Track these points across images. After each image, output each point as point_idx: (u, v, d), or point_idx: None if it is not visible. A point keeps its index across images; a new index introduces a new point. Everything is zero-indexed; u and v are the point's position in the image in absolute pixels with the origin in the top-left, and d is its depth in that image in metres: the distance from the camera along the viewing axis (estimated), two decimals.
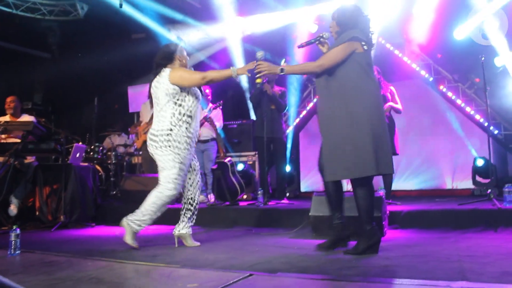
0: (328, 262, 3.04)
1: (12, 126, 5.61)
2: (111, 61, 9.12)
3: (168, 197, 3.74)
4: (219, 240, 4.07)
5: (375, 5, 7.39)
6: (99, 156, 7.69)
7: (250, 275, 2.55)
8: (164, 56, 3.93)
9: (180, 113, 3.78)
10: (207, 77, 3.77)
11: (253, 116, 8.18)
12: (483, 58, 5.54)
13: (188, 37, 8.61)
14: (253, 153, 7.24)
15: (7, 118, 6.03)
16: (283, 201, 6.03)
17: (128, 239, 3.78)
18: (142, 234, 4.94)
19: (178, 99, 3.80)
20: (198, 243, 3.96)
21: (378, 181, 6.32)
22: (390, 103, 5.65)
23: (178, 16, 8.60)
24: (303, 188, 8.72)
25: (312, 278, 2.58)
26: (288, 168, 7.35)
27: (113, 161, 7.88)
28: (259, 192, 5.71)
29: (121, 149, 8.36)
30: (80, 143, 6.68)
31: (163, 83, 3.80)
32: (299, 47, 3.79)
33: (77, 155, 6.21)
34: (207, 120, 6.30)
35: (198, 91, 3.99)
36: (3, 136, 5.75)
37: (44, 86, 10.66)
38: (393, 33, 8.03)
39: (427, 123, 8.04)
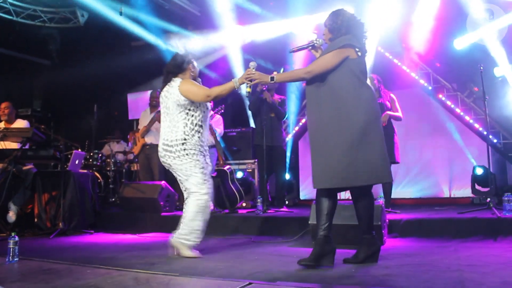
0: (327, 271, 3.03)
1: (12, 132, 5.60)
2: (111, 68, 9.13)
3: (206, 201, 3.77)
4: (218, 248, 4.06)
5: (374, 14, 7.44)
6: (98, 163, 7.68)
7: (250, 283, 2.54)
8: (177, 65, 3.96)
9: (192, 123, 3.81)
10: (211, 95, 3.77)
11: (252, 124, 8.20)
12: (482, 68, 5.56)
13: (187, 45, 8.63)
14: (252, 161, 7.24)
15: (1, 124, 6.03)
16: (282, 209, 6.02)
17: (188, 254, 3.74)
18: (141, 242, 4.95)
19: (189, 110, 3.83)
20: (197, 252, 3.93)
21: (377, 190, 6.32)
22: (389, 112, 5.66)
23: (177, 24, 8.64)
24: (302, 196, 8.71)
25: (312, 287, 2.57)
26: (287, 176, 7.35)
27: (112, 168, 7.88)
28: (258, 200, 5.70)
29: (120, 156, 8.36)
30: (80, 150, 6.68)
31: (173, 94, 3.83)
32: (290, 52, 3.67)
33: (76, 162, 6.20)
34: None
35: None
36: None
37: (43, 92, 10.70)
38: (392, 42, 8.07)
39: (426, 132, 8.05)
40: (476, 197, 6.77)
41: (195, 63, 4.08)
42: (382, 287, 2.54)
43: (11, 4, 8.05)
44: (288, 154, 7.17)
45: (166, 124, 3.89)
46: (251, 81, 3.52)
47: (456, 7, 7.19)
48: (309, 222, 4.27)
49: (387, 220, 4.43)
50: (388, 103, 5.76)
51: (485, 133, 6.95)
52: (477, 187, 6.82)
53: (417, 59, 8.16)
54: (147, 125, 7.00)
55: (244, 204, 6.55)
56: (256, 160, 7.03)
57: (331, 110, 3.21)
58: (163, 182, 6.25)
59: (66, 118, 9.86)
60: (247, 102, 8.52)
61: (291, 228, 5.02)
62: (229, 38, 8.28)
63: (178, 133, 3.78)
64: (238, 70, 8.14)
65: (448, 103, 7.92)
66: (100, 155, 7.78)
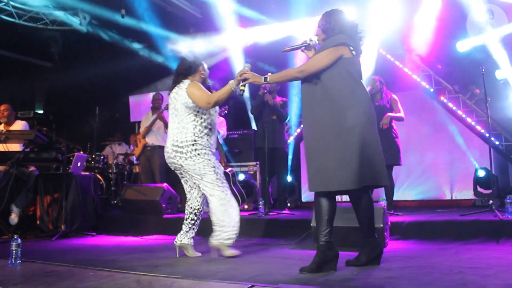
0: (329, 273, 3.03)
1: (14, 135, 5.61)
2: (113, 71, 9.16)
3: (228, 197, 3.81)
4: (220, 251, 4.05)
5: (376, 16, 7.45)
6: (100, 165, 7.70)
7: (252, 286, 2.55)
8: (187, 67, 4.00)
9: (201, 125, 3.85)
10: (211, 102, 3.78)
11: (254, 126, 8.21)
12: (483, 70, 5.55)
13: (189, 47, 8.65)
14: (254, 163, 7.24)
15: (1, 126, 6.05)
16: (284, 211, 6.02)
17: (227, 253, 3.80)
18: (143, 244, 4.96)
19: (198, 112, 3.86)
20: (199, 254, 3.95)
21: (379, 192, 6.32)
22: (390, 114, 5.65)
23: (179, 26, 8.66)
24: (304, 198, 8.70)
25: None
26: (289, 178, 7.35)
27: (114, 170, 7.89)
28: (260, 202, 5.70)
29: (121, 158, 8.38)
30: (81, 152, 6.69)
31: (182, 96, 3.86)
32: (283, 51, 3.59)
33: (78, 164, 6.21)
34: None
35: None
36: None
37: (45, 95, 10.72)
38: (394, 44, 8.07)
39: (427, 134, 8.04)
40: (478, 199, 6.76)
41: (205, 66, 4.12)
42: None
43: (14, 7, 8.08)
44: (290, 156, 7.17)
45: (175, 125, 3.92)
46: (245, 80, 3.52)
47: (458, 9, 7.19)
48: (311, 224, 4.26)
49: (389, 223, 4.43)
50: (387, 105, 5.76)
51: (487, 135, 6.93)
52: (479, 189, 6.81)
53: (418, 61, 8.16)
54: (148, 125, 7.03)
55: (246, 207, 6.56)
56: (258, 162, 7.03)
57: (326, 112, 3.14)
58: (165, 184, 6.26)
59: (68, 120, 9.87)
60: (249, 105, 8.55)
61: (293, 230, 5.02)
62: (230, 41, 8.29)
63: (188, 135, 3.81)
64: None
65: (450, 105, 7.91)
66: (102, 157, 7.79)
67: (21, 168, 5.79)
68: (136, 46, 9.41)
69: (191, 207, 3.98)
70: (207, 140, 3.87)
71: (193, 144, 3.79)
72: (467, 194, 7.42)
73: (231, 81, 3.74)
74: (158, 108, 7.10)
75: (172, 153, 3.85)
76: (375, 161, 3.11)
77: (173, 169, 3.99)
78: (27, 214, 6.05)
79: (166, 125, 7.03)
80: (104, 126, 9.19)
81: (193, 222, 3.95)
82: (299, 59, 7.42)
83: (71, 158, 6.23)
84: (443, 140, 7.88)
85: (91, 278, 2.98)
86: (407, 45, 8.06)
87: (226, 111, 6.38)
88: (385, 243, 4.03)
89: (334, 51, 3.17)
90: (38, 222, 5.94)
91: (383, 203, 4.49)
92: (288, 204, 6.82)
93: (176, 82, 3.99)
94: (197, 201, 3.98)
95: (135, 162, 8.23)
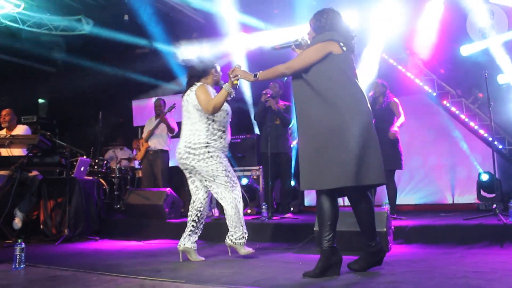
0: (332, 278, 3.02)
1: (18, 139, 5.63)
2: (116, 76, 9.20)
3: (239, 198, 3.92)
4: (224, 255, 4.06)
5: (378, 21, 7.46)
6: (103, 170, 7.71)
7: None
8: (199, 70, 4.06)
9: (214, 128, 3.90)
10: (209, 108, 3.80)
11: (257, 131, 8.21)
12: (486, 74, 5.55)
13: (192, 52, 8.67)
14: (257, 167, 7.24)
15: (3, 132, 6.08)
16: (287, 216, 6.01)
17: (243, 252, 3.91)
18: (146, 248, 4.96)
19: (210, 115, 3.88)
20: (203, 258, 3.95)
21: (381, 197, 6.31)
22: (394, 129, 5.64)
23: (182, 31, 8.68)
24: (306, 203, 8.69)
25: None
26: (291, 183, 7.35)
27: (117, 175, 7.90)
28: (263, 206, 5.70)
29: (124, 163, 8.40)
30: (85, 157, 6.71)
31: (192, 98, 3.92)
32: (273, 49, 3.57)
33: (82, 169, 6.23)
34: None
35: (228, 105, 4.05)
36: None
37: (49, 100, 10.75)
38: (397, 49, 8.08)
39: (430, 138, 8.04)
40: (481, 203, 6.75)
41: (218, 68, 4.16)
42: None
43: (18, 13, 8.12)
44: (293, 160, 7.17)
45: (188, 127, 3.96)
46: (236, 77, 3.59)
47: (460, 13, 7.20)
48: (314, 228, 4.26)
49: (393, 227, 4.42)
50: (388, 109, 5.78)
51: (490, 139, 6.93)
52: (482, 193, 6.81)
53: (421, 65, 8.17)
54: (151, 129, 7.06)
55: (249, 211, 6.56)
56: (261, 167, 7.04)
57: (318, 109, 3.07)
58: (168, 188, 6.27)
59: (72, 125, 9.91)
60: (251, 110, 8.56)
61: (296, 234, 5.02)
62: (234, 46, 8.30)
63: (201, 137, 3.86)
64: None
65: (453, 109, 7.91)
66: (105, 162, 7.81)
67: (24, 173, 5.81)
68: (139, 51, 9.45)
69: (195, 208, 3.99)
70: (220, 142, 3.93)
71: (206, 146, 3.84)
72: (470, 198, 7.42)
73: (225, 84, 3.78)
74: (161, 114, 7.13)
75: (184, 154, 3.89)
76: (371, 158, 2.99)
77: (183, 169, 4.03)
78: (31, 219, 6.06)
79: (169, 128, 7.05)
80: (107, 131, 9.21)
81: (195, 224, 3.95)
82: None
83: (75, 163, 6.23)
84: (446, 144, 7.88)
85: (94, 282, 2.99)
86: (410, 49, 8.07)
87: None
88: (388, 247, 4.02)
89: (322, 47, 3.11)
90: (41, 226, 5.95)
91: (387, 207, 4.48)
92: (291, 209, 6.82)
93: (189, 84, 4.05)
94: (200, 202, 3.99)
95: (137, 166, 8.24)
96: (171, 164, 7.31)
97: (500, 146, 7.57)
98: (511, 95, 7.01)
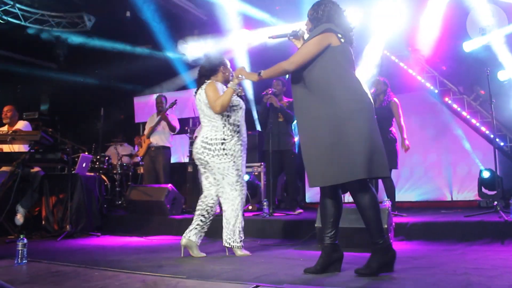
0: (334, 274, 3.03)
1: (20, 135, 5.64)
2: (118, 72, 9.21)
3: (242, 201, 3.91)
4: (225, 251, 4.07)
5: (380, 18, 7.45)
6: (105, 166, 7.73)
7: (256, 286, 2.56)
8: (208, 68, 4.08)
9: (230, 124, 3.93)
10: (217, 107, 3.84)
11: (258, 127, 8.22)
12: (488, 71, 5.55)
13: (193, 49, 8.67)
14: (258, 164, 7.24)
15: (5, 128, 6.09)
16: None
17: (239, 254, 3.89)
18: (147, 244, 4.97)
19: (224, 111, 3.91)
20: (204, 254, 3.95)
21: (381, 195, 6.32)
22: (406, 144, 5.68)
23: (184, 28, 8.68)
24: (307, 199, 8.70)
25: None
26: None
27: (119, 171, 7.92)
28: (264, 203, 5.71)
29: (126, 159, 8.41)
30: (86, 153, 6.72)
31: (203, 97, 3.96)
32: (269, 38, 3.53)
33: (83, 165, 6.24)
34: None
35: (241, 100, 4.09)
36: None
37: (51, 96, 10.77)
38: (398, 46, 8.07)
39: (431, 135, 8.04)
40: (482, 200, 6.75)
41: (228, 65, 4.16)
42: None
43: (20, 9, 8.13)
44: None
45: (205, 124, 4.01)
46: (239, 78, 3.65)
47: (462, 9, 7.19)
48: (316, 225, 4.27)
49: (394, 223, 4.43)
50: (387, 108, 5.78)
51: (491, 136, 6.93)
52: (484, 190, 6.81)
53: (423, 62, 8.16)
54: (153, 125, 7.06)
55: (250, 207, 6.57)
56: (262, 163, 7.04)
57: (317, 104, 3.01)
58: (169, 185, 6.28)
59: (73, 121, 9.92)
60: (253, 106, 8.58)
61: (297, 231, 5.03)
62: (235, 42, 8.30)
63: (218, 133, 3.89)
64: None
65: (455, 106, 7.91)
66: (106, 158, 7.82)
67: (26, 169, 5.82)
68: (141, 47, 9.45)
69: (206, 204, 4.00)
70: (238, 137, 3.96)
71: (222, 143, 3.86)
72: (471, 195, 7.43)
73: (231, 84, 3.82)
74: (162, 111, 7.13)
75: (200, 149, 3.92)
76: (373, 151, 2.89)
77: (198, 164, 4.05)
78: (33, 215, 6.08)
79: (169, 126, 7.05)
80: (109, 127, 9.23)
81: (204, 219, 3.96)
82: None
83: (76, 159, 6.25)
84: (447, 141, 7.88)
85: (96, 278, 3.00)
86: (412, 46, 8.06)
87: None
88: None
89: (322, 39, 3.04)
90: (43, 222, 5.96)
91: (388, 203, 4.48)
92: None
93: (200, 83, 4.07)
94: (212, 199, 4.01)
95: (140, 163, 8.26)
96: (172, 160, 7.32)
97: (502, 143, 7.57)
98: None
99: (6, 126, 6.16)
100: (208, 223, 4.00)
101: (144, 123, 8.40)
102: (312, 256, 3.44)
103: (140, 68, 8.96)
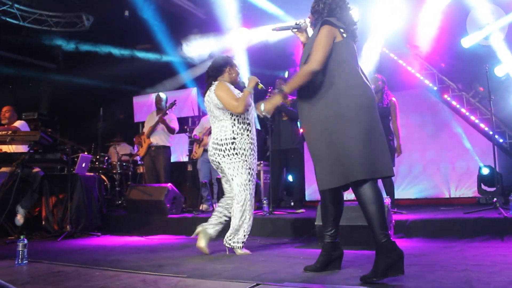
0: (334, 272, 3.03)
1: (19, 136, 5.64)
2: (116, 72, 9.19)
3: (250, 201, 3.89)
4: (225, 250, 4.07)
5: (379, 15, 7.45)
6: (104, 166, 7.73)
7: (257, 285, 2.56)
8: (215, 69, 4.08)
9: (239, 122, 3.92)
10: (238, 109, 3.85)
11: (258, 126, 8.22)
12: (487, 68, 5.56)
13: (192, 48, 8.67)
14: (258, 162, 7.26)
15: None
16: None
17: (239, 253, 3.89)
18: (148, 244, 4.98)
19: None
20: (208, 251, 3.95)
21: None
22: (400, 147, 5.71)
23: (183, 27, 8.67)
24: (307, 197, 8.70)
25: None
26: (290, 178, 7.37)
27: (119, 171, 7.92)
28: (264, 201, 5.71)
29: (125, 158, 8.41)
30: (86, 153, 6.72)
31: (212, 98, 3.95)
32: (273, 30, 3.47)
33: (83, 165, 6.24)
34: None
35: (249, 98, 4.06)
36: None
37: (50, 96, 10.76)
38: (397, 43, 8.07)
39: (430, 132, 8.04)
40: (482, 197, 6.77)
41: (234, 65, 4.15)
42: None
43: (18, 9, 8.12)
44: None
45: (215, 125, 4.01)
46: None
47: (461, 7, 7.19)
48: (315, 223, 4.28)
49: (393, 221, 4.44)
50: (387, 107, 5.78)
51: (491, 133, 6.94)
52: (483, 187, 6.82)
53: (422, 59, 8.16)
54: (153, 125, 7.05)
55: None
56: (262, 162, 7.05)
57: (322, 105, 2.91)
58: (169, 184, 6.28)
59: (73, 121, 9.91)
60: (253, 105, 8.56)
61: (297, 229, 5.04)
62: (234, 41, 8.29)
63: (228, 133, 3.88)
64: (244, 73, 8.14)
65: (454, 103, 7.92)
66: (106, 158, 7.82)
67: (26, 169, 5.82)
68: (139, 46, 9.45)
69: (227, 202, 4.05)
70: (247, 135, 3.94)
71: (232, 143, 3.86)
72: (470, 192, 7.43)
73: (248, 87, 3.94)
74: (162, 109, 7.13)
75: (212, 151, 3.95)
76: (378, 149, 2.81)
77: (215, 168, 4.06)
78: (33, 215, 6.09)
79: (168, 128, 7.04)
80: (108, 127, 9.22)
81: (227, 219, 4.01)
82: None
83: (76, 159, 6.25)
84: (446, 138, 7.88)
85: (97, 278, 3.00)
86: (411, 43, 8.06)
87: None
88: None
89: (329, 31, 2.92)
90: (43, 222, 5.97)
91: (387, 200, 4.48)
92: (292, 203, 6.83)
93: (208, 85, 4.07)
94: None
95: (139, 162, 8.26)
96: (172, 160, 7.32)
97: (501, 140, 7.58)
98: None
99: (5, 127, 6.15)
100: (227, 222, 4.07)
101: (143, 123, 8.40)
102: (312, 254, 3.44)
103: (139, 68, 8.96)
